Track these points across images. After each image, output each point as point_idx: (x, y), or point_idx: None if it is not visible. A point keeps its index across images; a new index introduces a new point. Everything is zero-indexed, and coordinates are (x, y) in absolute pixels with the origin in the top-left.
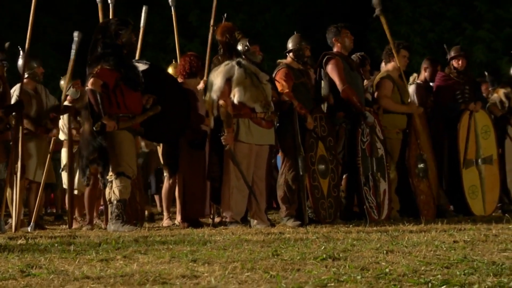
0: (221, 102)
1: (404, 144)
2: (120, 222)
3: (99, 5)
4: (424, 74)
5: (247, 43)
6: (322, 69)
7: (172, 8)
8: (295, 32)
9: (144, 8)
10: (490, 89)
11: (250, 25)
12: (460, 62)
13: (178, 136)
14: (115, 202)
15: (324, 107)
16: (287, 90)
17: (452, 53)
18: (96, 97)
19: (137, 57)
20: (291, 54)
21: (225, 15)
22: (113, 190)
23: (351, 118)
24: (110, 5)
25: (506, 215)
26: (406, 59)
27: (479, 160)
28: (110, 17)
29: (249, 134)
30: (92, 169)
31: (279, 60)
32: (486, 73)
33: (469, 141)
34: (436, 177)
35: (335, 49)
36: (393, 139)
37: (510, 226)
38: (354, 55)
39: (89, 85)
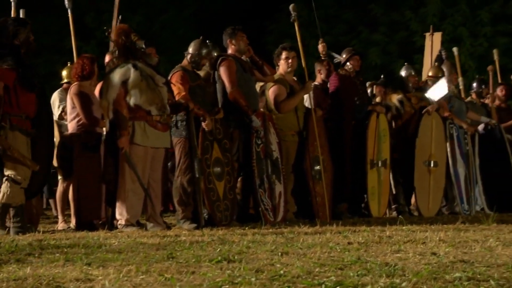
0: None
1: (300, 146)
2: None
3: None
4: (320, 77)
5: (143, 45)
6: (216, 71)
7: (69, 10)
8: (200, 37)
9: (21, 11)
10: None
11: (147, 26)
12: (358, 61)
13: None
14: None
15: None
16: (183, 93)
17: (347, 54)
18: None
19: None
20: (188, 57)
21: (120, 16)
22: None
23: (245, 120)
24: (12, 3)
25: (400, 216)
26: (288, 61)
27: (379, 162)
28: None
29: (144, 137)
30: None
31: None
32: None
33: (375, 143)
34: (331, 179)
35: (229, 51)
36: (289, 141)
37: (404, 227)
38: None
39: None
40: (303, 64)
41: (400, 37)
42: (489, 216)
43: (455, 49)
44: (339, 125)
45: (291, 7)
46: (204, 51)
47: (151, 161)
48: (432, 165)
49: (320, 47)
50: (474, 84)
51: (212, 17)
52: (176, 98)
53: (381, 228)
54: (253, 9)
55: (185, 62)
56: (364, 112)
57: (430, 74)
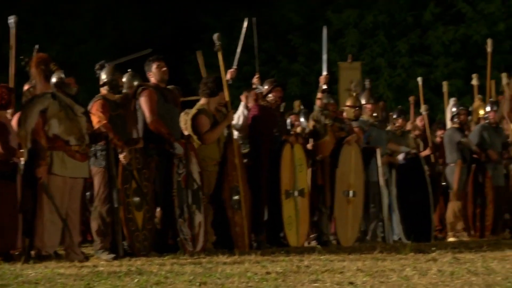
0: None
1: (219, 176)
2: None
3: None
4: (246, 103)
5: (62, 75)
6: (137, 101)
7: None
8: (105, 65)
9: None
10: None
11: (66, 56)
12: (280, 93)
13: None
14: None
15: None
16: (104, 122)
17: (269, 86)
18: None
19: None
20: (105, 86)
21: (36, 46)
22: None
23: (166, 150)
24: None
25: (318, 246)
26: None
27: (296, 192)
28: None
29: (63, 167)
30: None
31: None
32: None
33: (289, 173)
34: (250, 209)
35: (151, 81)
36: (211, 171)
37: (322, 257)
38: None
39: None
40: (226, 94)
41: (319, 67)
42: (406, 245)
43: (419, 79)
44: (256, 155)
45: (215, 36)
46: (117, 73)
47: (70, 191)
48: (351, 194)
49: (256, 80)
50: (394, 115)
51: (131, 47)
52: (97, 127)
53: (299, 258)
54: (172, 39)
55: (104, 91)
56: (278, 143)
57: (347, 103)
